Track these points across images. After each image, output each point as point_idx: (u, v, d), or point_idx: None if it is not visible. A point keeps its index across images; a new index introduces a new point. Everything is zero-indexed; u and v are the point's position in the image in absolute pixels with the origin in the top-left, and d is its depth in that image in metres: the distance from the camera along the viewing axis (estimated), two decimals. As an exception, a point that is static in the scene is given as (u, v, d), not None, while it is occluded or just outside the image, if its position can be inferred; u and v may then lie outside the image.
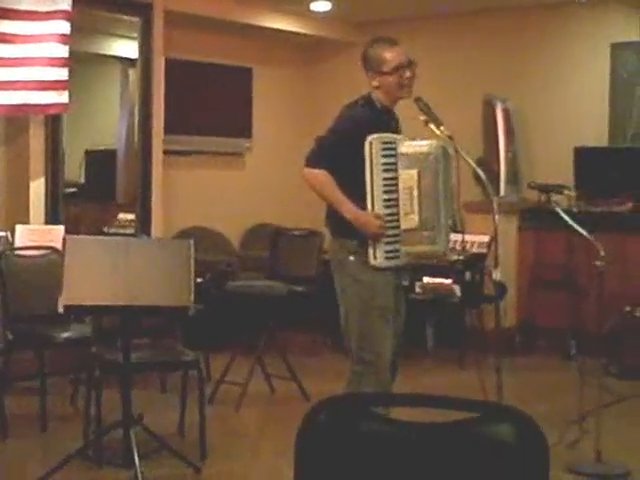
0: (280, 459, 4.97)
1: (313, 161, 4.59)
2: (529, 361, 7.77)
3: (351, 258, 4.56)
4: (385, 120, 4.65)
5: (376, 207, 4.48)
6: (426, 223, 4.46)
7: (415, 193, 4.45)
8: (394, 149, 4.49)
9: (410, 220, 4.47)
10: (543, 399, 6.37)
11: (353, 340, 4.59)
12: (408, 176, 4.46)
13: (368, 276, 4.53)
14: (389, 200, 4.49)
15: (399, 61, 4.63)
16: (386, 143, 4.49)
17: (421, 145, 4.51)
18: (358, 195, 4.49)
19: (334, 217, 4.62)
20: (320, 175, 4.55)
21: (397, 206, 4.49)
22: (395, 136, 4.58)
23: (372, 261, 4.51)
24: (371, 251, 4.51)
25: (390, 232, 4.50)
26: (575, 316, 7.66)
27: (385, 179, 4.47)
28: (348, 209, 4.51)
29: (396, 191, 4.49)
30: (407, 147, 4.50)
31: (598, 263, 4.96)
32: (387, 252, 4.51)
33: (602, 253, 4.95)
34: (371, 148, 4.45)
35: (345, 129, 4.59)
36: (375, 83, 4.66)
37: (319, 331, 8.01)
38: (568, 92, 8.61)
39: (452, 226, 4.64)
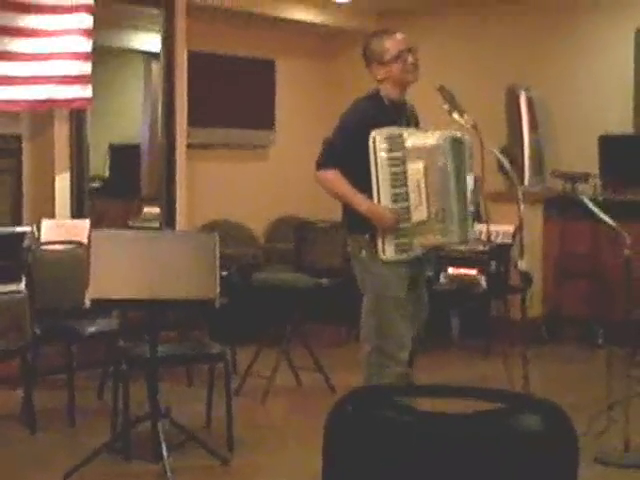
0: (307, 450, 4.98)
1: (322, 163, 4.63)
2: (556, 351, 7.73)
3: (363, 252, 4.58)
4: (392, 115, 4.61)
5: (383, 202, 4.47)
6: (436, 215, 4.46)
7: (423, 185, 4.45)
8: (401, 143, 4.47)
9: (419, 212, 4.47)
10: (570, 389, 6.34)
11: (372, 332, 4.58)
12: (415, 169, 4.46)
13: (379, 268, 4.53)
14: (397, 194, 4.48)
15: (400, 47, 4.63)
16: (391, 137, 4.47)
17: (427, 137, 4.50)
18: (370, 190, 4.49)
19: (346, 213, 4.66)
20: (329, 175, 4.58)
21: (407, 200, 4.49)
22: (402, 130, 4.55)
23: (381, 256, 4.52)
24: (380, 246, 4.51)
25: (400, 225, 4.49)
26: (602, 305, 7.62)
27: (393, 174, 4.47)
28: (361, 202, 4.52)
29: (405, 185, 4.48)
30: (414, 140, 4.49)
31: (626, 251, 4.93)
32: (397, 246, 4.51)
33: (628, 241, 4.93)
34: (374, 143, 4.44)
35: (349, 125, 4.60)
36: (380, 76, 4.65)
37: (345, 323, 8.00)
38: (592, 79, 8.55)
39: (473, 216, 4.64)
